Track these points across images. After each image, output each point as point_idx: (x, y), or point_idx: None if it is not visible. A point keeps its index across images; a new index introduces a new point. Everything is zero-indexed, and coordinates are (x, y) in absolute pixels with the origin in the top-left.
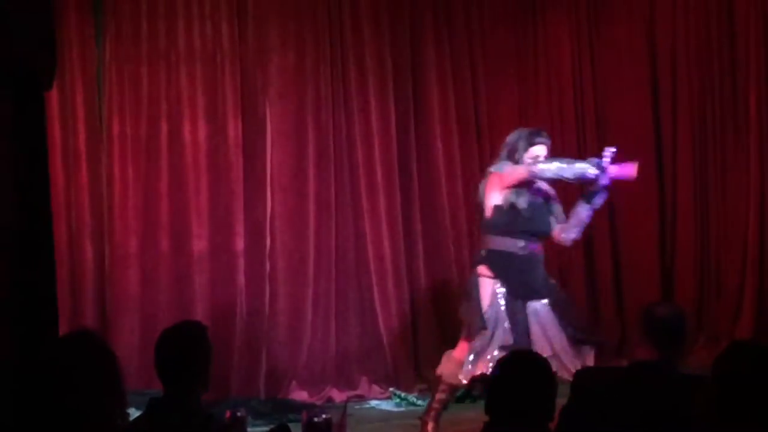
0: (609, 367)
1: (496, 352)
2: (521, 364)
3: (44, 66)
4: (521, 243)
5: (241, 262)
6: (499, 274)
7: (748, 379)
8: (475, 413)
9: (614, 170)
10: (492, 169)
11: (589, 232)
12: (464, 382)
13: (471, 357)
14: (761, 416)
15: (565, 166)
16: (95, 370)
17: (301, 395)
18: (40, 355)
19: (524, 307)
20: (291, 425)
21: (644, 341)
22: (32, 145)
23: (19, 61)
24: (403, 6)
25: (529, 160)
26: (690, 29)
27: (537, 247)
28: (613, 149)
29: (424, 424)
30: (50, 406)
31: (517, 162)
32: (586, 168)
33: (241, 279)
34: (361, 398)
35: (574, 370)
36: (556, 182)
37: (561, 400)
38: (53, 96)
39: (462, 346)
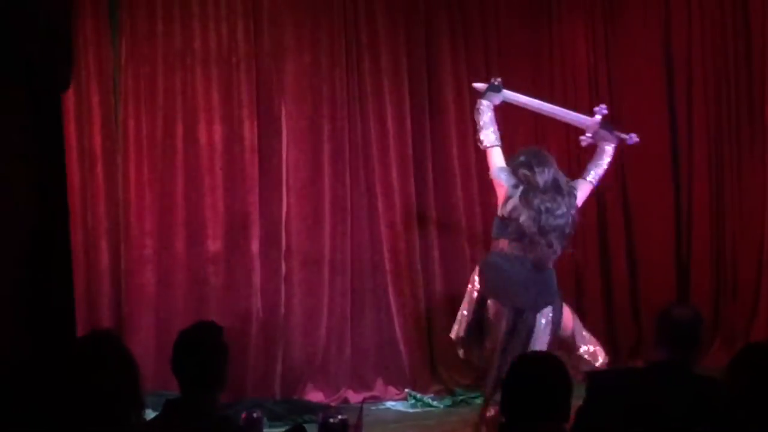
0: (624, 368)
1: None
2: (537, 364)
3: (61, 66)
4: None
5: (256, 264)
6: None
7: (762, 381)
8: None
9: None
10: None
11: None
12: None
13: None
14: None
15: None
16: (114, 371)
17: (316, 396)
18: (60, 356)
19: None
20: (307, 426)
21: (661, 342)
22: (50, 146)
23: (36, 61)
24: (418, 6)
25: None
26: (705, 29)
27: None
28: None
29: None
30: (69, 405)
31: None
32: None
33: (257, 280)
34: (377, 399)
35: None
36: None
37: (576, 401)
38: (69, 97)
39: None
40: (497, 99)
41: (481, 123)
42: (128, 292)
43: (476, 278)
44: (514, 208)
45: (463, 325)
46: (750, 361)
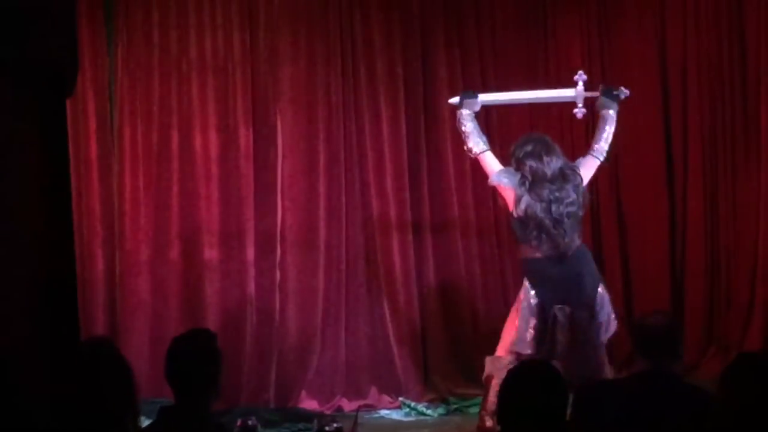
0: (610, 380)
1: None
2: (533, 373)
3: (67, 70)
4: None
5: (251, 272)
6: None
7: (755, 391)
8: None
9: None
10: None
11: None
12: None
13: None
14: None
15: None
16: (110, 378)
17: (310, 404)
18: (59, 363)
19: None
20: None
21: (639, 353)
22: (55, 150)
23: (43, 64)
24: (414, 15)
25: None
26: (701, 39)
27: None
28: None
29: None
30: (65, 411)
31: None
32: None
33: (252, 288)
34: (371, 408)
35: None
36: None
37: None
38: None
39: None
40: (476, 105)
41: (466, 131)
42: (123, 300)
43: (530, 289)
44: (528, 205)
45: (530, 340)
46: (743, 371)
